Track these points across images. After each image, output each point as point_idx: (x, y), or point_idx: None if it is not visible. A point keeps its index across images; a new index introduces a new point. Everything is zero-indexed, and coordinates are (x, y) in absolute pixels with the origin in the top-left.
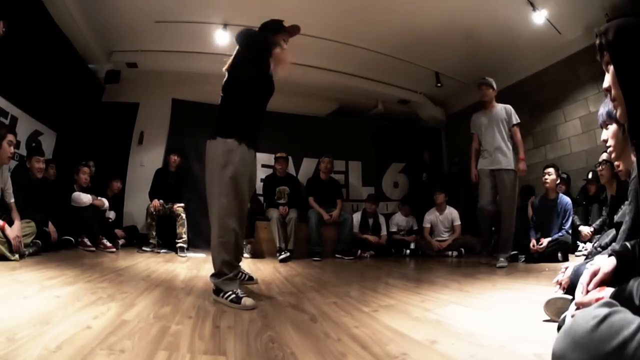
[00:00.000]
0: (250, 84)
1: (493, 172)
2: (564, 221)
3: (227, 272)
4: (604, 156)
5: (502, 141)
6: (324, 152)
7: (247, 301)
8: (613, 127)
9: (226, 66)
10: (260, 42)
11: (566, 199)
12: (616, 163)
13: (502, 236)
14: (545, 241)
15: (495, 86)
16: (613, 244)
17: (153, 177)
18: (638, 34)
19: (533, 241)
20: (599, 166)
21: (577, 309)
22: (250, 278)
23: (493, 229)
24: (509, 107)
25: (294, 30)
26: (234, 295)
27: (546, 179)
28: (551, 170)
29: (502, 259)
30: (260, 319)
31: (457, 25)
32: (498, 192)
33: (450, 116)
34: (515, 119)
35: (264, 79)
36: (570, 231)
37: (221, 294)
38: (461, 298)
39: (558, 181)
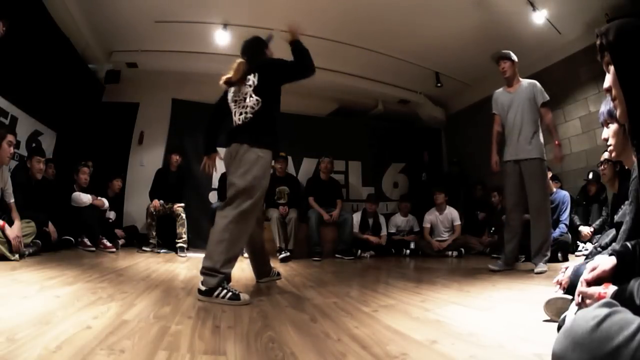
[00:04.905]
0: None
1: (518, 163)
2: (561, 212)
3: (225, 270)
4: (606, 155)
5: (529, 125)
6: (324, 152)
7: (245, 296)
8: (614, 126)
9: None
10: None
11: (563, 192)
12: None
13: (536, 238)
14: None
15: (515, 58)
16: (613, 244)
17: (154, 177)
18: (638, 34)
19: None
20: (600, 165)
21: (580, 300)
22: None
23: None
24: (534, 82)
25: (270, 38)
26: (230, 293)
27: None
28: None
29: (541, 263)
30: (260, 319)
31: (458, 25)
32: (525, 187)
33: (450, 116)
34: (543, 96)
35: None
36: (567, 223)
37: (215, 294)
38: (461, 298)
39: (550, 175)
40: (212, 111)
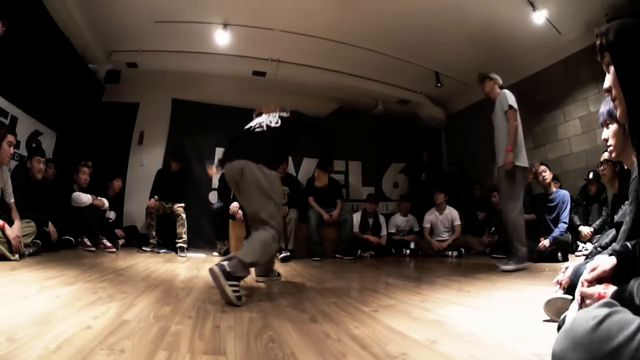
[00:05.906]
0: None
1: (498, 170)
2: (560, 212)
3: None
4: (605, 155)
5: (503, 135)
6: None
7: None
8: (614, 126)
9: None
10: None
11: (563, 192)
12: None
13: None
14: (546, 241)
15: (491, 76)
16: (613, 244)
17: (154, 178)
18: (638, 34)
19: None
20: (600, 165)
21: (582, 299)
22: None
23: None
24: (502, 92)
25: None
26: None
27: (545, 176)
28: (544, 167)
29: (510, 261)
30: (260, 319)
31: (458, 25)
32: None
33: (450, 116)
34: (506, 104)
35: None
36: (567, 222)
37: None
38: (461, 298)
39: (551, 175)
40: (233, 136)
